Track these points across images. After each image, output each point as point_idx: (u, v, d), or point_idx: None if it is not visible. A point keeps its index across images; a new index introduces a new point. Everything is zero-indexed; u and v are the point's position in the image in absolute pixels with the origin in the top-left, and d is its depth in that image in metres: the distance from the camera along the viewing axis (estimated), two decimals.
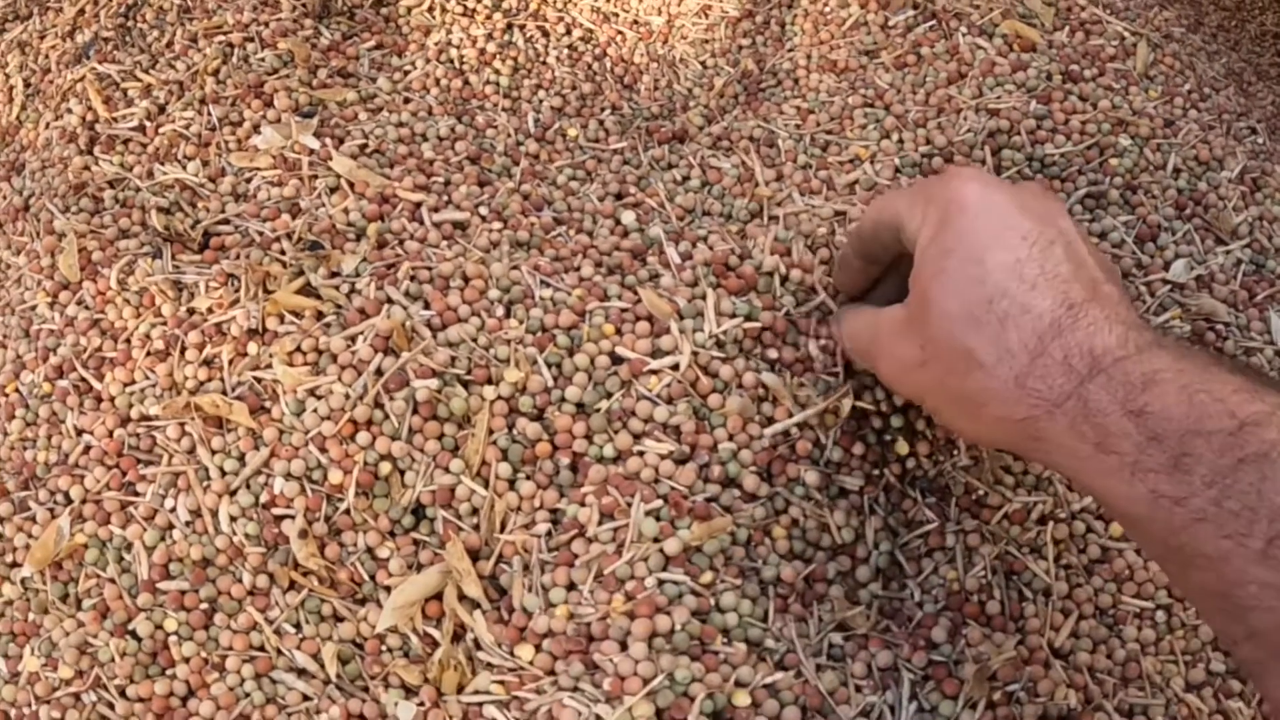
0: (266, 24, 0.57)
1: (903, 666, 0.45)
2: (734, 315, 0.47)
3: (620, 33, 0.65)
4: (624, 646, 0.40)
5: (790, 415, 0.46)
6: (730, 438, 0.45)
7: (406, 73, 0.59)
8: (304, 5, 0.59)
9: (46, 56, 0.58)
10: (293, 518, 0.45)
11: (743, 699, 0.40)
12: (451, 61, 0.60)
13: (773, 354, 0.47)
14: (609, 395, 0.45)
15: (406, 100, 0.57)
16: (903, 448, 0.50)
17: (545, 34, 0.63)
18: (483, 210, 0.53)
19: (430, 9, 0.62)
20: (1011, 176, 0.56)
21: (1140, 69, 0.63)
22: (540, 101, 0.60)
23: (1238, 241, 0.60)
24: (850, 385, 0.49)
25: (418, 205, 0.52)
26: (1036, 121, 0.57)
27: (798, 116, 0.60)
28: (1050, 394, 0.34)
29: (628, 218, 0.53)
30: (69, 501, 0.46)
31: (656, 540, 0.42)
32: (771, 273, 0.49)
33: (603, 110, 0.60)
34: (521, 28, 0.62)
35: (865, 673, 0.44)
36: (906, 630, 0.46)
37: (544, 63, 0.61)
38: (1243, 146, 0.65)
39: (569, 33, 0.64)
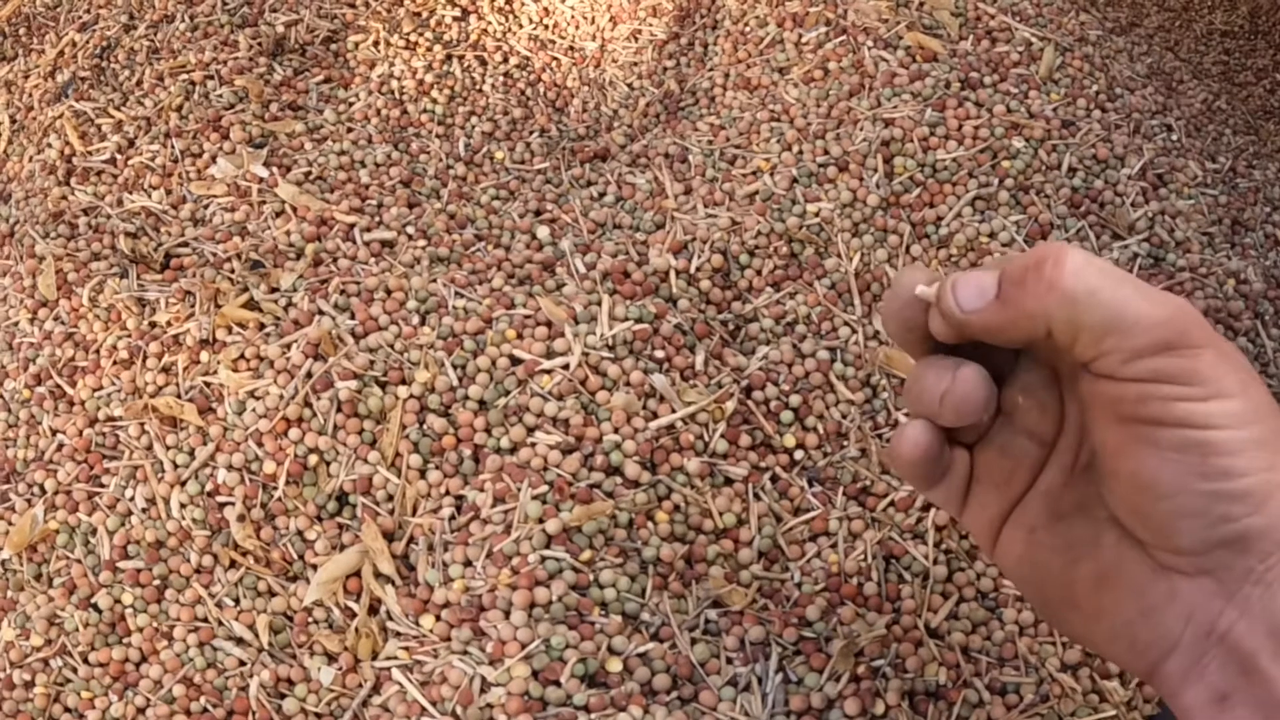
0: (225, 62, 0.64)
1: (774, 641, 0.49)
2: (626, 319, 0.52)
3: (555, 59, 0.70)
4: (507, 615, 0.45)
5: (674, 411, 0.51)
6: (615, 430, 0.50)
7: (351, 104, 0.65)
8: (260, 44, 0.65)
9: (30, 95, 0.65)
10: (233, 504, 0.51)
11: (615, 665, 0.45)
12: (392, 92, 0.65)
13: (660, 354, 0.52)
14: (507, 393, 0.50)
15: (349, 130, 0.63)
16: (790, 440, 0.54)
17: (483, 63, 0.68)
18: (410, 229, 0.58)
19: (376, 43, 0.68)
20: (903, 182, 0.60)
21: (1044, 73, 0.66)
22: (472, 127, 0.65)
23: (1135, 236, 0.63)
24: (736, 385, 0.53)
25: (351, 226, 0.58)
26: (929, 129, 0.61)
27: (710, 133, 0.64)
28: None
29: (542, 233, 0.59)
30: (44, 493, 0.53)
31: (540, 521, 0.47)
32: (665, 275, 0.54)
33: (531, 133, 0.65)
34: (460, 58, 0.68)
35: (737, 646, 0.48)
36: (783, 609, 0.51)
37: (479, 90, 0.67)
38: (1152, 144, 0.68)
39: (506, 60, 0.69)
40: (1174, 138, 0.71)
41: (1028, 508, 0.31)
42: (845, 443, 0.55)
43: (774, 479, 0.53)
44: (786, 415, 0.54)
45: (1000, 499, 0.32)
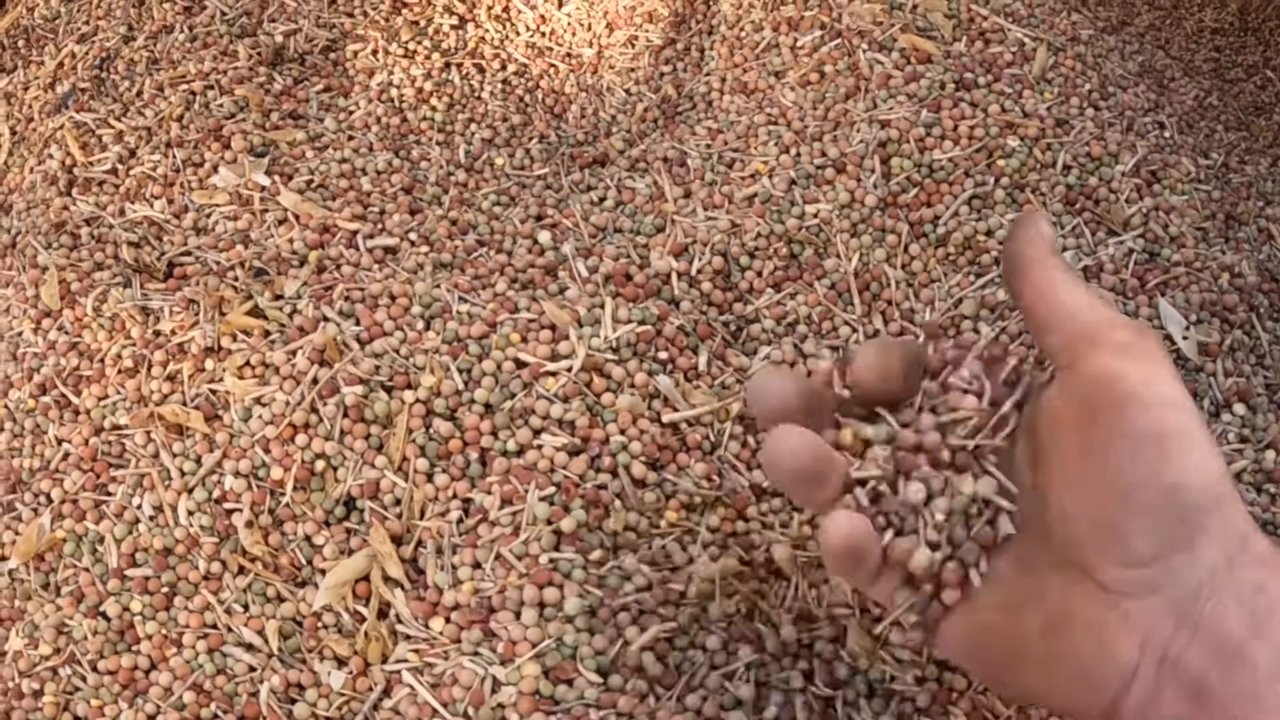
0: (225, 72, 0.64)
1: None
2: (629, 321, 0.53)
3: (553, 66, 0.71)
4: (517, 615, 0.46)
5: (676, 411, 0.51)
6: (621, 431, 0.50)
7: (351, 113, 0.65)
8: (259, 54, 0.65)
9: (30, 106, 0.65)
10: (241, 510, 0.51)
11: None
12: (392, 100, 0.66)
13: (664, 356, 0.52)
14: (512, 396, 0.51)
15: (350, 138, 0.64)
16: None
17: (481, 70, 0.69)
18: (412, 236, 0.58)
19: (375, 52, 0.68)
20: (900, 183, 0.60)
21: (1037, 73, 0.67)
22: (472, 134, 0.65)
23: (1130, 232, 0.63)
24: (743, 388, 0.54)
25: (354, 233, 0.58)
26: (925, 129, 0.61)
27: (708, 136, 0.65)
28: None
29: (544, 237, 0.59)
30: (50, 502, 0.53)
31: (549, 522, 0.47)
32: (667, 277, 0.54)
33: (530, 139, 0.66)
34: (459, 66, 0.68)
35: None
36: None
37: (478, 98, 0.67)
38: (1145, 141, 0.68)
39: (504, 68, 0.70)
40: (1166, 135, 0.71)
41: None
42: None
43: None
44: None
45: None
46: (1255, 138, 0.80)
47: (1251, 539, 0.27)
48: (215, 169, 0.61)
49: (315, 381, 0.52)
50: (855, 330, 0.57)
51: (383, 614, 0.49)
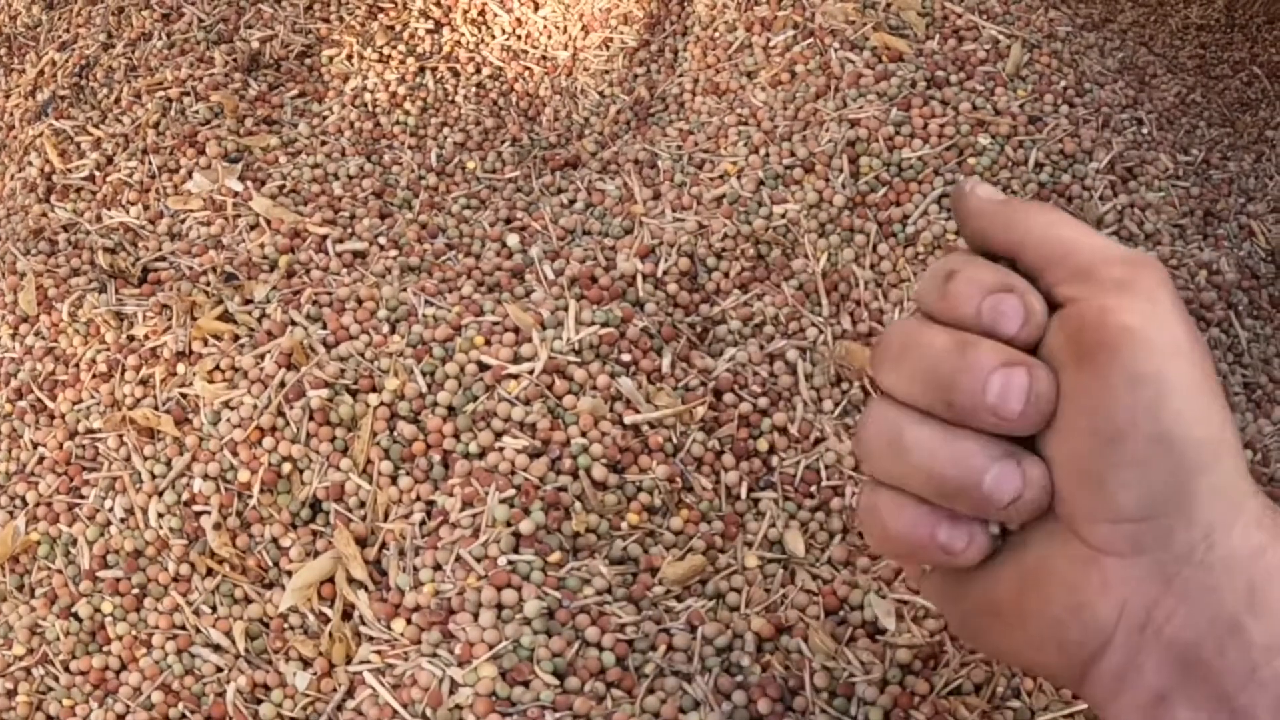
0: (201, 79, 0.65)
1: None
2: (592, 323, 0.53)
3: (528, 68, 0.71)
4: (476, 617, 0.46)
5: (638, 413, 0.51)
6: (583, 434, 0.50)
7: (324, 118, 0.66)
8: (235, 60, 0.66)
9: (11, 114, 0.66)
10: (209, 513, 0.52)
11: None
12: (365, 105, 0.66)
13: (627, 358, 0.53)
14: (475, 399, 0.51)
15: (323, 143, 0.64)
16: (763, 444, 0.54)
17: (456, 74, 0.69)
18: (381, 240, 0.59)
19: (349, 57, 0.69)
20: (869, 182, 0.60)
21: (1011, 70, 0.67)
22: (445, 138, 0.66)
23: (1105, 229, 0.63)
24: (704, 387, 0.54)
25: (324, 238, 0.59)
26: (895, 128, 0.61)
27: (679, 138, 0.65)
28: None
29: (512, 240, 0.59)
30: (25, 505, 0.54)
31: (509, 524, 0.48)
32: (633, 279, 0.55)
33: (502, 143, 0.66)
34: (433, 70, 0.69)
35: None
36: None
37: (452, 101, 0.68)
38: (1121, 137, 0.68)
39: (479, 71, 0.70)
40: (1144, 131, 0.71)
41: None
42: (816, 442, 0.56)
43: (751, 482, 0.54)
44: (755, 417, 0.55)
45: None
46: (1239, 134, 0.79)
47: (1251, 500, 0.25)
48: (190, 175, 0.62)
49: (282, 385, 0.52)
50: (822, 331, 0.57)
51: (347, 615, 0.50)
